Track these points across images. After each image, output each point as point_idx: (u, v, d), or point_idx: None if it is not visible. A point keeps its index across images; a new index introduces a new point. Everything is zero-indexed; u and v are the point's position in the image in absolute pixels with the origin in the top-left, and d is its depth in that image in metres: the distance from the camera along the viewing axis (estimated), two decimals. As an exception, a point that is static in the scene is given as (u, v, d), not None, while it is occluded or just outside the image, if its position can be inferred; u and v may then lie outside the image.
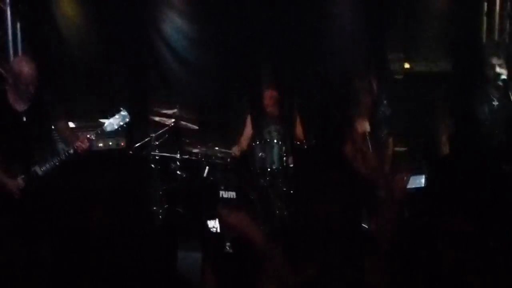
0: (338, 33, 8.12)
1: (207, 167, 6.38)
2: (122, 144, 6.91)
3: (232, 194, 6.02)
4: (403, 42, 7.76)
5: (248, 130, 6.98)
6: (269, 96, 6.82)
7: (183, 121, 6.59)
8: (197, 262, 4.38)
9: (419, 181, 6.00)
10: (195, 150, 6.48)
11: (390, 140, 5.81)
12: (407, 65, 7.44)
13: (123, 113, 5.07)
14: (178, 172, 6.40)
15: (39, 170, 4.82)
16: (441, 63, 7.46)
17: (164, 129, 6.52)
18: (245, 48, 7.98)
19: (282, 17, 7.94)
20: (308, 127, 7.03)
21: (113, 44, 7.91)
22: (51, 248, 4.84)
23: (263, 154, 6.35)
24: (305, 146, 6.59)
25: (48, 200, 4.88)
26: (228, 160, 6.49)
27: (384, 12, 7.82)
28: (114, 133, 5.97)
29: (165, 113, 6.57)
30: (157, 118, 6.54)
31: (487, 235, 5.00)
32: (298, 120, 7.00)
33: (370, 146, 5.57)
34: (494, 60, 6.72)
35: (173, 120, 6.51)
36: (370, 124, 5.67)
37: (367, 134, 5.58)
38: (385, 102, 5.98)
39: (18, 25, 7.39)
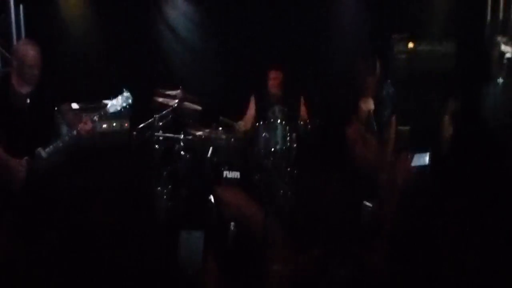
0: (343, 14, 8.10)
1: (211, 148, 6.40)
2: (126, 125, 6.93)
3: (236, 174, 6.04)
4: (407, 22, 7.71)
5: (252, 111, 7.00)
6: (273, 77, 6.83)
7: (187, 102, 6.59)
8: (199, 241, 4.39)
9: (423, 159, 5.98)
10: (199, 131, 6.50)
11: (393, 119, 5.81)
12: (411, 45, 7.40)
13: (126, 94, 5.07)
14: (182, 152, 6.41)
15: (43, 152, 4.84)
16: (446, 42, 7.41)
17: (168, 110, 6.51)
18: (249, 29, 7.97)
19: (286, 0, 7.93)
20: (313, 107, 7.04)
21: (117, 26, 7.92)
22: (56, 235, 4.86)
23: (266, 135, 6.35)
24: (309, 127, 6.58)
25: (52, 189, 4.91)
26: (232, 140, 6.50)
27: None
28: (118, 115, 5.99)
29: (168, 94, 6.57)
30: (160, 99, 6.54)
31: (489, 216, 5.00)
32: (302, 101, 7.01)
33: (375, 125, 5.58)
34: (499, 39, 6.68)
35: (176, 101, 6.51)
36: (374, 104, 5.67)
37: (371, 112, 5.58)
38: (388, 81, 5.97)
39: (21, 8, 7.40)
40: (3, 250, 4.61)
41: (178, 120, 6.61)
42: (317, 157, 6.65)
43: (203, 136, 6.47)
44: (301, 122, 6.63)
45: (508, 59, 6.16)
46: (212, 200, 5.69)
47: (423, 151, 6.04)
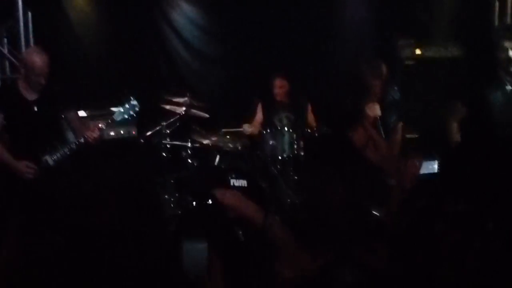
0: (349, 20, 8.09)
1: (218, 156, 6.41)
2: (133, 132, 6.94)
3: (243, 182, 6.04)
4: (414, 28, 7.70)
5: (259, 116, 7.01)
6: (278, 85, 6.83)
7: (194, 109, 6.59)
8: (203, 252, 4.37)
9: (432, 166, 5.97)
10: (206, 139, 6.50)
11: (399, 125, 5.78)
12: (418, 51, 7.38)
13: (133, 102, 5.09)
14: (189, 160, 6.41)
15: (50, 159, 4.86)
16: (453, 48, 7.39)
17: (175, 117, 6.52)
18: (255, 36, 7.97)
19: (292, 6, 7.92)
20: (320, 114, 7.03)
21: (124, 33, 7.94)
22: (62, 237, 4.88)
23: (274, 142, 6.36)
24: (316, 134, 6.58)
25: (59, 191, 4.92)
26: (239, 148, 6.50)
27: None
28: (125, 122, 6.00)
29: (176, 102, 6.58)
30: (168, 107, 6.54)
31: (496, 221, 4.98)
32: (309, 108, 7.01)
33: (382, 131, 5.55)
34: (506, 44, 6.64)
35: (184, 108, 6.51)
36: (381, 109, 5.65)
37: (378, 119, 5.56)
38: (396, 88, 5.95)
39: (30, 15, 7.42)
40: (11, 251, 4.64)
41: (185, 127, 6.61)
42: (324, 165, 6.64)
43: (210, 144, 6.47)
44: (308, 130, 6.63)
45: (516, 64, 6.12)
46: (211, 203, 5.68)
47: (431, 158, 6.03)
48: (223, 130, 6.68)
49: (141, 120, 6.26)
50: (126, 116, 5.10)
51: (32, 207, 4.77)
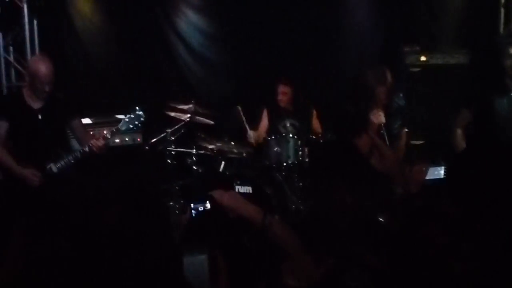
0: (354, 26, 8.09)
1: (223, 162, 6.41)
2: (139, 139, 6.95)
3: (248, 189, 6.03)
4: (419, 34, 7.69)
5: (265, 123, 7.01)
6: (282, 92, 6.84)
7: (199, 116, 6.60)
8: (203, 264, 4.34)
9: (438, 172, 5.94)
10: (211, 145, 6.50)
11: (404, 132, 5.76)
12: (423, 58, 7.37)
13: (138, 112, 5.08)
14: (194, 167, 6.41)
15: (54, 167, 4.86)
16: (458, 55, 7.38)
17: (180, 124, 6.52)
18: (261, 43, 7.98)
19: (297, 12, 7.93)
20: (324, 121, 7.03)
21: (129, 40, 7.96)
22: (68, 244, 4.87)
23: (278, 149, 6.36)
24: (321, 141, 6.58)
25: (63, 197, 4.92)
26: (244, 155, 6.50)
27: (399, 4, 7.77)
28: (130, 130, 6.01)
29: (181, 109, 6.58)
30: (172, 114, 6.55)
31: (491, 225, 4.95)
32: (315, 114, 7.00)
33: (386, 138, 5.53)
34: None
35: (188, 115, 6.52)
36: (385, 116, 5.63)
37: (382, 125, 5.54)
38: (401, 95, 5.93)
39: (35, 22, 7.46)
40: (16, 256, 4.64)
41: (190, 134, 6.62)
42: (329, 171, 6.62)
43: (215, 150, 6.47)
44: (313, 136, 6.62)
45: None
46: (208, 205, 5.66)
47: (438, 164, 6.00)
48: (228, 136, 6.66)
49: (146, 127, 6.26)
50: (131, 126, 5.09)
51: (37, 213, 4.77)
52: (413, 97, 6.83)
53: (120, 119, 5.10)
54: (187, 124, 6.53)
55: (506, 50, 6.42)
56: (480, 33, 7.43)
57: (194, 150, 6.42)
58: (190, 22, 8.24)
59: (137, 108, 5.07)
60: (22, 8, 7.26)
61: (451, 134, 5.50)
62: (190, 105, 6.55)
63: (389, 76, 5.61)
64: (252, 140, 6.73)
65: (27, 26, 7.33)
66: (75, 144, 5.38)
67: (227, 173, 6.38)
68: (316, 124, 6.98)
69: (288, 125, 6.71)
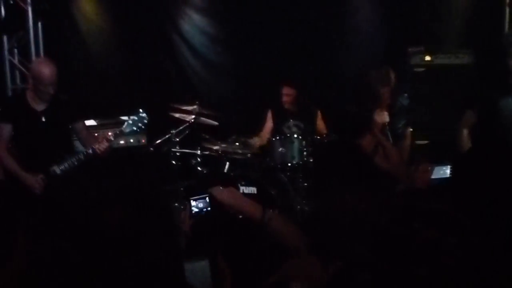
0: (358, 26, 8.08)
1: (227, 163, 6.40)
2: (143, 141, 6.96)
3: (252, 190, 6.02)
4: (424, 35, 7.68)
5: (269, 124, 7.01)
6: (285, 93, 6.83)
7: (203, 117, 6.60)
8: (205, 270, 4.34)
9: (444, 171, 5.92)
10: (215, 146, 6.50)
11: (408, 131, 5.75)
12: (427, 58, 7.35)
13: (142, 114, 5.06)
14: (198, 168, 6.41)
15: (57, 169, 4.86)
16: (462, 55, 7.36)
17: (184, 125, 6.53)
18: (265, 45, 7.98)
19: (300, 13, 7.93)
20: (328, 121, 7.02)
21: (133, 42, 7.98)
22: (71, 245, 4.87)
23: (283, 149, 6.35)
24: (326, 141, 6.57)
25: (66, 199, 4.92)
26: (249, 155, 6.50)
27: (403, 4, 7.76)
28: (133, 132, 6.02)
29: (185, 110, 6.59)
30: (177, 115, 6.56)
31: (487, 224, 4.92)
32: (319, 115, 7.00)
33: (390, 138, 5.52)
34: (516, 51, 6.60)
35: (193, 116, 6.52)
36: (389, 115, 5.62)
37: (386, 125, 5.53)
38: (405, 95, 5.92)
39: (40, 25, 7.48)
40: (21, 255, 4.64)
41: (195, 135, 6.62)
42: (333, 171, 6.61)
43: (219, 151, 6.46)
44: (318, 137, 6.62)
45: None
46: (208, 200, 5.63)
47: (443, 163, 5.98)
48: (233, 137, 6.66)
49: (150, 128, 6.27)
50: (134, 128, 5.07)
51: (40, 214, 4.77)
52: (417, 97, 6.80)
53: (125, 121, 5.10)
54: (191, 125, 6.53)
55: (510, 50, 6.40)
56: (485, 33, 7.40)
57: (199, 151, 6.42)
58: (193, 23, 8.25)
59: (141, 110, 5.07)
60: (27, 11, 7.29)
61: (457, 134, 5.48)
62: (195, 106, 6.55)
63: (393, 76, 5.60)
64: (257, 146, 6.73)
65: (31, 29, 7.36)
66: (78, 145, 5.37)
67: (232, 173, 6.37)
68: (320, 125, 6.98)
69: (292, 125, 6.70)
